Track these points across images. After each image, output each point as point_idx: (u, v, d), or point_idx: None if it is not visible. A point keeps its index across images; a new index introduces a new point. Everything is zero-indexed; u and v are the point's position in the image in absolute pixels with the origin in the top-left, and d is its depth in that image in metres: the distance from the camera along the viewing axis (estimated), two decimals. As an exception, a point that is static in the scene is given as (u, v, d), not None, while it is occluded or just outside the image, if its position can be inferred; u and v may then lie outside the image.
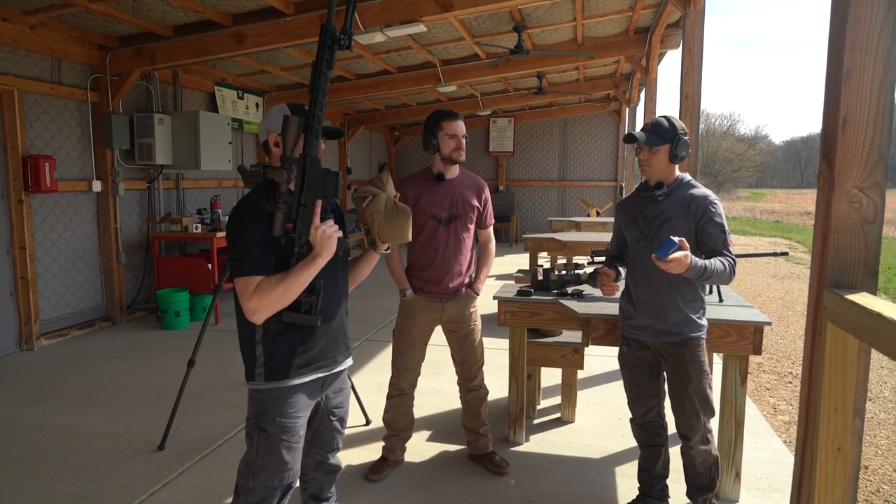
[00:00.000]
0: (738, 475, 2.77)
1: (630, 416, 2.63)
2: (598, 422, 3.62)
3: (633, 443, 3.20)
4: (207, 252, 6.60)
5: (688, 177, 2.45)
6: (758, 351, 2.69)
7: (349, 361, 2.03)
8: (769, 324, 2.69)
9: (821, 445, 1.61)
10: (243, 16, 5.53)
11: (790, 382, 4.65)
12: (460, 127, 2.76)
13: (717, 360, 3.83)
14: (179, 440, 3.36)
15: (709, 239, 2.32)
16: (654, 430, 2.57)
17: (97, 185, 5.97)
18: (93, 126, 5.94)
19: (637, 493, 2.68)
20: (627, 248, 2.56)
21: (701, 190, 2.41)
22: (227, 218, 6.56)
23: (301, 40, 5.49)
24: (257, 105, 8.84)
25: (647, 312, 2.42)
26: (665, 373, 2.50)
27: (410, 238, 2.05)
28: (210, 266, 6.19)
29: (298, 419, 1.88)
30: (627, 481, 2.90)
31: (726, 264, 2.26)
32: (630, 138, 2.39)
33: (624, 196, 2.63)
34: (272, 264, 1.76)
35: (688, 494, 2.57)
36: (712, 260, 2.24)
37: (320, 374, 1.91)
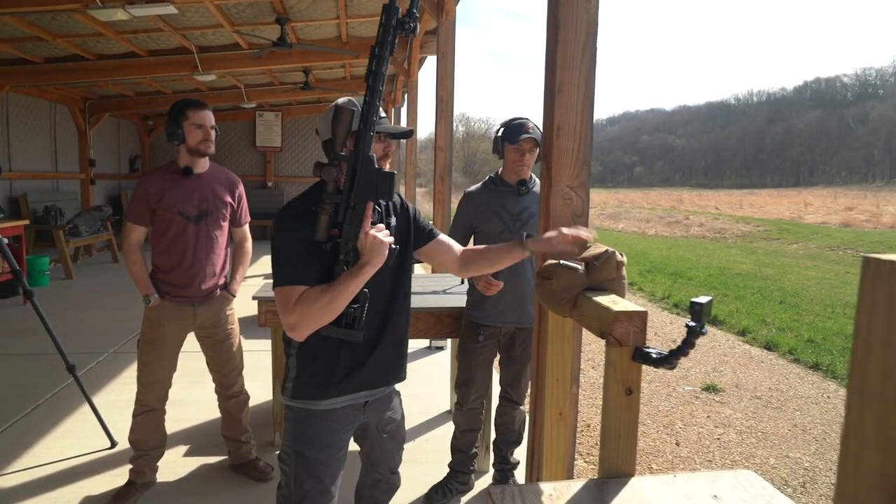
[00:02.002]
0: (488, 448, 3.03)
1: (456, 402, 2.79)
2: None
3: (432, 430, 3.40)
4: None
5: (533, 175, 2.65)
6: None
7: (399, 383, 1.84)
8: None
9: (547, 413, 1.83)
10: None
11: (535, 360, 5.23)
12: (208, 117, 2.59)
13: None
14: None
15: None
16: (477, 416, 2.78)
17: None
18: None
19: (447, 471, 2.85)
20: (472, 238, 2.68)
21: None
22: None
23: (20, 8, 4.71)
24: (-38, 81, 7.33)
25: (508, 301, 2.57)
26: (505, 354, 2.71)
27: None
28: None
29: (339, 439, 1.73)
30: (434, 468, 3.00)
31: None
32: (534, 141, 2.51)
33: (470, 189, 2.78)
34: (318, 273, 1.57)
35: (498, 447, 2.84)
36: None
37: (359, 400, 1.74)
